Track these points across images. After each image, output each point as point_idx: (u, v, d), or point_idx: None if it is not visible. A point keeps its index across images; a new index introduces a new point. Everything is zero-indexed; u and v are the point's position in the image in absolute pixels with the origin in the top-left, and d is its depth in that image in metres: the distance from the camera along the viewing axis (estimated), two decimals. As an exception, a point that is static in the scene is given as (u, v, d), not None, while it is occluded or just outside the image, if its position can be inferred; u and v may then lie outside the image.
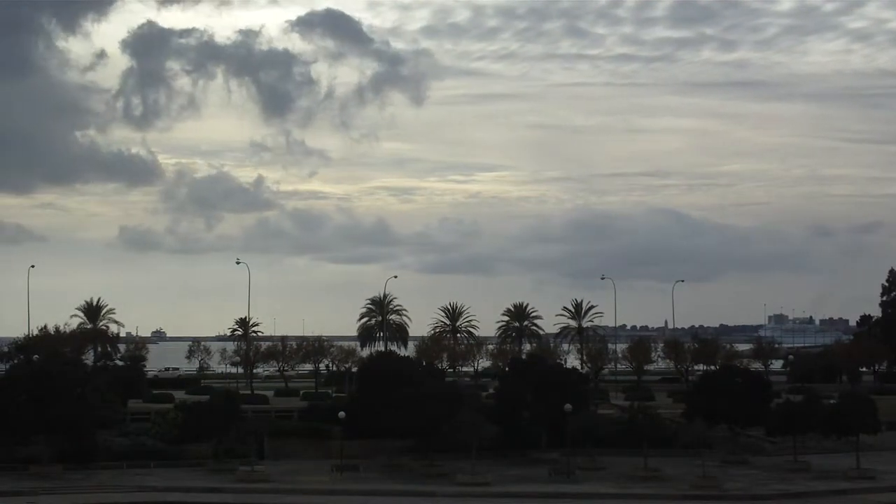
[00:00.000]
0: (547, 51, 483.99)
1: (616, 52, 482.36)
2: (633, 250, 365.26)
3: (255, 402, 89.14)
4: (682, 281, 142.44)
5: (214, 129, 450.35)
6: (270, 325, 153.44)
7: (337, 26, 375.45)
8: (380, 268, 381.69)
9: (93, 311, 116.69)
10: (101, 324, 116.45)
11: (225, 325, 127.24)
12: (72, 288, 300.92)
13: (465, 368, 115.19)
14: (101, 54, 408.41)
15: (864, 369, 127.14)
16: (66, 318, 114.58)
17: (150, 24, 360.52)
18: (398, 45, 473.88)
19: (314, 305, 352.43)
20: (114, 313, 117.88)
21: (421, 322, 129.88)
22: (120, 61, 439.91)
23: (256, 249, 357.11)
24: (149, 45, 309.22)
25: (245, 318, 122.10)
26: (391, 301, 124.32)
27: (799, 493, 63.07)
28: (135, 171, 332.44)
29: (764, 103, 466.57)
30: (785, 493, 63.00)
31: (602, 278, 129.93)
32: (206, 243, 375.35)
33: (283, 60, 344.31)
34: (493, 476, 66.39)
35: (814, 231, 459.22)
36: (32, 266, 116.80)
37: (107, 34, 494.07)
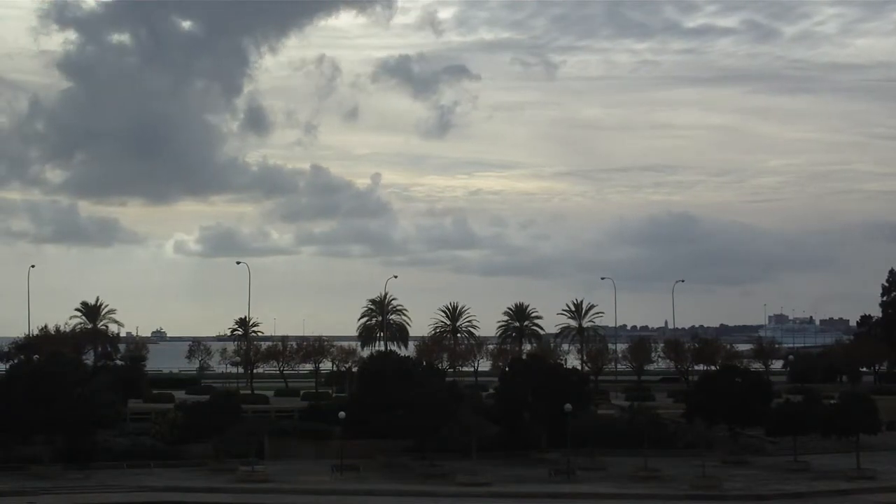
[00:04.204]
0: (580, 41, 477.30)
1: (649, 43, 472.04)
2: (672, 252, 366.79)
3: (256, 402, 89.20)
4: (682, 281, 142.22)
5: (369, 140, 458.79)
6: (270, 325, 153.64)
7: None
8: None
9: (92, 311, 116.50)
10: (100, 324, 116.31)
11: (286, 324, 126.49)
12: (122, 288, 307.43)
13: (465, 368, 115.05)
14: (288, 69, 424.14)
15: (864, 369, 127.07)
16: (66, 317, 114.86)
17: (331, 43, 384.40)
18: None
19: (327, 304, 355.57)
20: (114, 313, 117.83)
21: (421, 322, 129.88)
22: (299, 77, 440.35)
23: (331, 253, 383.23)
24: (328, 63, 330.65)
25: (245, 317, 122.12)
26: (391, 301, 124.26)
27: (799, 493, 63.06)
28: (274, 182, 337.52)
29: (789, 96, 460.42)
30: (785, 493, 63.00)
31: (602, 279, 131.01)
32: (279, 246, 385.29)
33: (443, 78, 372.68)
34: (493, 476, 66.43)
35: (832, 230, 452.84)
36: (33, 266, 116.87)
37: (290, 54, 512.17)
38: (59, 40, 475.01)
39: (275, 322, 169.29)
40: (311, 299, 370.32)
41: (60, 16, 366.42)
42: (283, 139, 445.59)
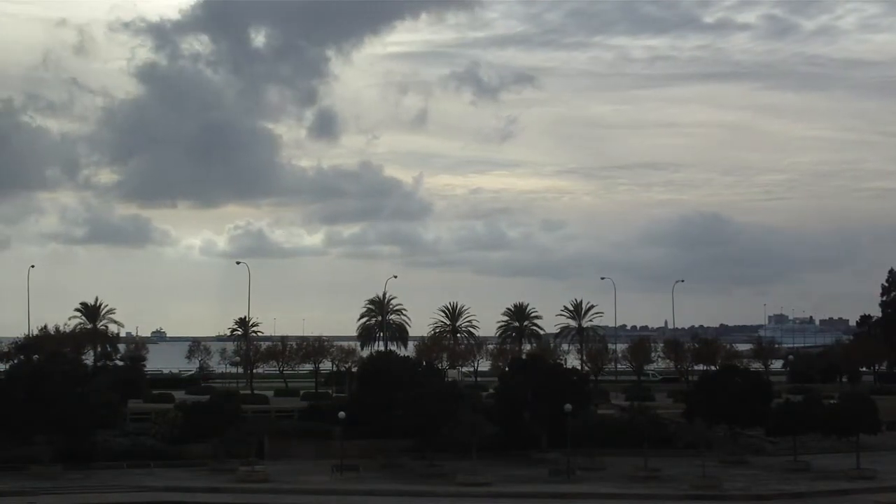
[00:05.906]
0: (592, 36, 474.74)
1: (661, 39, 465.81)
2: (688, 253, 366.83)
3: (256, 402, 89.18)
4: (682, 281, 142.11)
5: (428, 143, 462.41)
6: (270, 325, 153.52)
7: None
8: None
9: (92, 311, 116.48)
10: (100, 324, 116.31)
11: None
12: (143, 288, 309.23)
13: (465, 368, 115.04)
14: (351, 74, 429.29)
15: (864, 369, 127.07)
16: (65, 318, 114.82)
17: (401, 46, 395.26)
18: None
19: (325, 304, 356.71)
20: (113, 313, 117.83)
21: (421, 322, 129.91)
22: (363, 83, 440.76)
23: (360, 254, 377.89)
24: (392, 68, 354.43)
25: (245, 317, 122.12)
26: (391, 301, 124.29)
27: (799, 493, 63.11)
28: (327, 185, 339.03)
29: (802, 93, 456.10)
30: (785, 493, 63.06)
31: (602, 279, 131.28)
32: (309, 248, 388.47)
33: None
34: (493, 476, 66.43)
35: (835, 229, 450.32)
36: (32, 266, 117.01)
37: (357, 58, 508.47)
38: (133, 45, 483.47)
39: (275, 322, 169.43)
40: (320, 300, 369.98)
41: (137, 23, 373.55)
42: (337, 143, 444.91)
